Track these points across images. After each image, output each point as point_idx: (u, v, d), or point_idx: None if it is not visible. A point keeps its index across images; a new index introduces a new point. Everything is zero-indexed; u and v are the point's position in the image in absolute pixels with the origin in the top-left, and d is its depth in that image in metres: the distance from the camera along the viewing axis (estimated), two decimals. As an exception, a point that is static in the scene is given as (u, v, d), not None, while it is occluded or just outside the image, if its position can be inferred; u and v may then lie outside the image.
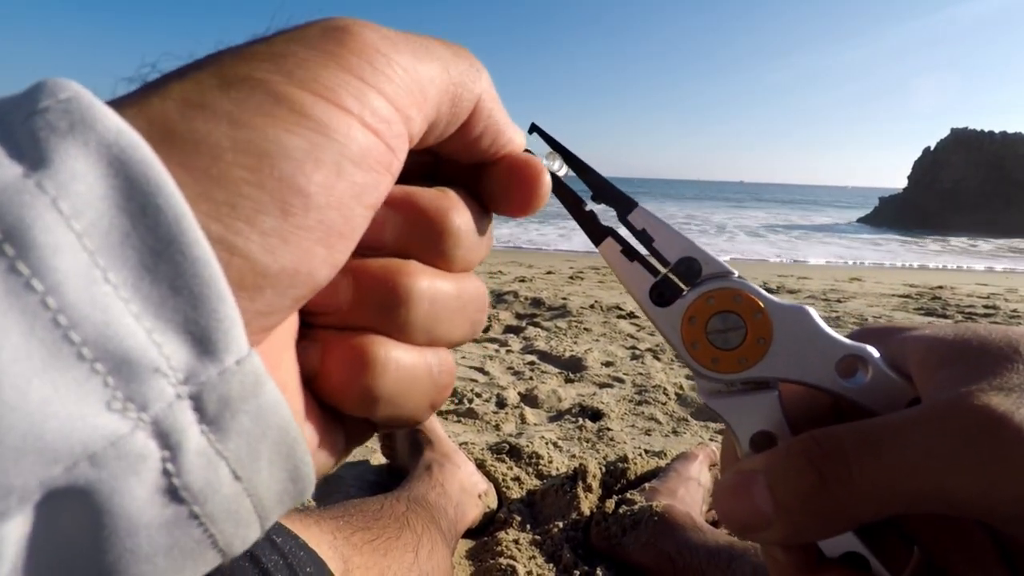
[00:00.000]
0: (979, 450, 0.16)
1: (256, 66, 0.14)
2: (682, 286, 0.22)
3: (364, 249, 0.16)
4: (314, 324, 0.17)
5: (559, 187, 0.24)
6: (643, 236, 0.23)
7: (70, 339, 0.10)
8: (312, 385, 0.16)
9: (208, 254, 0.12)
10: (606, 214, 0.24)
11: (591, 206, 0.24)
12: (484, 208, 0.20)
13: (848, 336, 0.22)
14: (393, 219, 0.17)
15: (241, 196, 0.13)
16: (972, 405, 0.17)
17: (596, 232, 0.24)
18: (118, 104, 0.13)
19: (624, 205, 0.23)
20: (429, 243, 0.18)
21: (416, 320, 0.17)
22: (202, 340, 0.12)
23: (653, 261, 0.23)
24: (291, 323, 0.16)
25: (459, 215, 0.18)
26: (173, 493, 0.12)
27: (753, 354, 0.21)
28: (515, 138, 0.21)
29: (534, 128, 0.23)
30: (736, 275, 0.22)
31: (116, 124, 0.11)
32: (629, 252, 0.23)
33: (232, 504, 0.13)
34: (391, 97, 0.15)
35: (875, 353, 0.21)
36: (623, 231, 0.24)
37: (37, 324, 0.10)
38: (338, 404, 0.17)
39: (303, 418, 0.16)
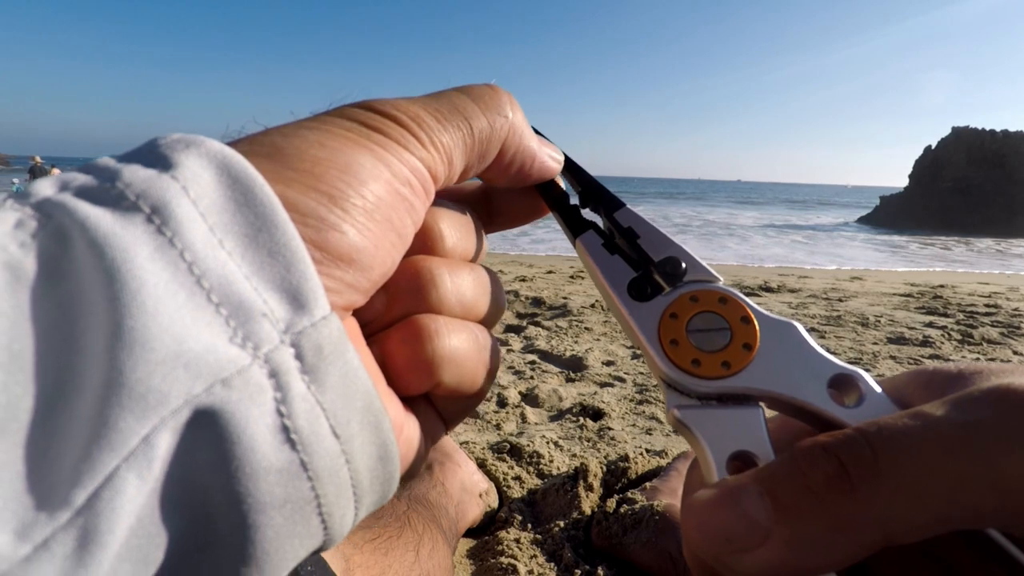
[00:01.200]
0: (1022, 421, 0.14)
1: (322, 121, 0.18)
2: (664, 285, 0.21)
3: None
4: (368, 333, 0.19)
5: (547, 184, 0.24)
6: (628, 233, 0.22)
7: (202, 285, 0.13)
8: (385, 379, 0.19)
9: (293, 231, 0.15)
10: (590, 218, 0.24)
11: (575, 204, 0.24)
12: (478, 214, 0.24)
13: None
14: None
15: (337, 190, 0.16)
16: (1002, 388, 0.15)
17: (578, 225, 0.23)
18: (231, 142, 0.17)
19: (611, 204, 0.23)
20: (423, 244, 0.21)
21: (447, 294, 0.20)
22: (295, 297, 0.14)
23: (638, 258, 0.22)
24: (356, 328, 0.18)
25: (441, 220, 0.22)
26: (286, 434, 0.13)
27: (738, 360, 0.19)
28: (547, 163, 0.23)
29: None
30: (721, 281, 0.21)
31: (219, 144, 0.15)
32: (610, 246, 0.22)
33: (333, 463, 0.14)
34: (423, 159, 0.19)
35: (868, 377, 0.19)
36: (606, 230, 0.23)
37: (178, 272, 0.13)
38: (408, 381, 0.19)
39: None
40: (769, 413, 0.20)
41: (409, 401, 0.19)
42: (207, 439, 0.12)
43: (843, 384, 0.19)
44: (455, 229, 0.22)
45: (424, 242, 0.21)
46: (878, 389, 0.18)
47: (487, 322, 0.22)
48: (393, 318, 0.19)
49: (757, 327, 0.20)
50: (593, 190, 0.24)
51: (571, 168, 0.24)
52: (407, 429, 0.19)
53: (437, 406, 0.21)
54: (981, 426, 0.14)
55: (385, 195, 0.17)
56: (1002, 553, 0.16)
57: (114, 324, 0.12)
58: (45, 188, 0.14)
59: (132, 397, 0.12)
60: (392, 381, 0.19)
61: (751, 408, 0.19)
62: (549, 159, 0.23)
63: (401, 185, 0.18)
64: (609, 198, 0.23)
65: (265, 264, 0.14)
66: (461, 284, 0.21)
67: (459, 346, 0.19)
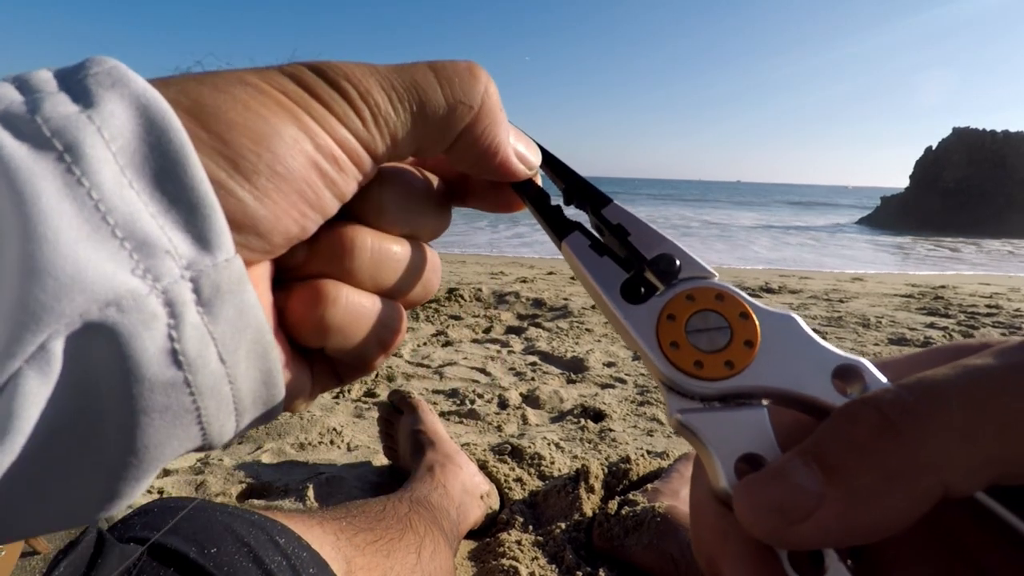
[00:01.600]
0: None
1: (265, 78, 0.18)
2: (658, 284, 0.20)
3: None
4: (284, 279, 0.21)
5: (525, 183, 0.23)
6: (618, 230, 0.21)
7: (107, 221, 0.14)
8: (282, 325, 0.20)
9: (203, 177, 0.16)
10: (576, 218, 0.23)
11: (558, 203, 0.23)
12: (439, 190, 0.24)
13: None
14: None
15: (243, 158, 0.17)
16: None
17: (562, 226, 0.22)
18: (163, 81, 0.17)
19: (598, 200, 0.22)
20: (361, 213, 0.21)
21: (360, 266, 0.21)
22: (199, 238, 0.16)
23: (629, 257, 0.21)
24: (266, 273, 0.20)
25: (386, 192, 0.22)
26: (174, 356, 0.15)
27: (741, 359, 0.19)
28: (511, 163, 0.22)
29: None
30: (717, 277, 0.20)
31: (144, 85, 0.16)
32: (599, 247, 0.21)
33: (216, 383, 0.16)
34: (355, 132, 0.19)
35: (871, 366, 0.18)
36: (592, 228, 0.22)
37: (84, 208, 0.14)
38: (299, 335, 0.20)
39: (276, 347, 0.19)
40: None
41: (305, 349, 0.21)
42: (101, 348, 0.14)
43: (847, 374, 0.18)
44: (400, 202, 0.22)
45: (362, 211, 0.21)
46: (882, 378, 0.18)
47: (406, 301, 0.23)
48: (307, 274, 0.21)
49: (757, 323, 0.19)
50: (577, 186, 0.22)
51: (552, 163, 0.23)
52: (294, 366, 0.20)
53: (332, 360, 0.22)
54: (1019, 363, 0.14)
55: (298, 168, 0.18)
56: (1008, 529, 0.16)
57: (22, 251, 0.13)
58: None
59: (32, 313, 0.13)
60: (289, 328, 0.20)
61: (756, 409, 0.18)
62: (514, 160, 0.22)
63: (324, 159, 0.18)
64: (595, 194, 0.22)
65: (172, 205, 0.15)
66: (381, 259, 0.21)
67: (351, 321, 0.21)
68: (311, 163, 0.18)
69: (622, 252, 0.21)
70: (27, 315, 0.13)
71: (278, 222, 0.18)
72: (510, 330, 1.94)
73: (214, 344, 0.16)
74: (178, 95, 0.17)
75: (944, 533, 0.18)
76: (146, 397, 0.15)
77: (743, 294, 0.20)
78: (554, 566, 0.76)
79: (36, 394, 0.14)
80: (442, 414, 1.22)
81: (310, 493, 0.90)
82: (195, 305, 0.15)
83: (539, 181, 0.24)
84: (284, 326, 0.20)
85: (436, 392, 1.35)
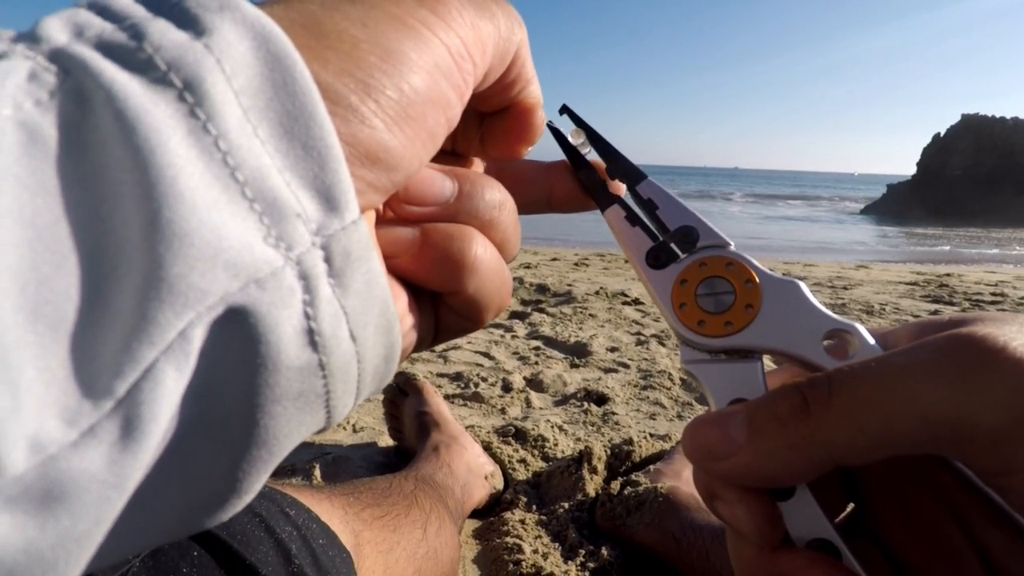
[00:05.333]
0: (957, 362, 0.16)
1: None
2: (679, 252, 0.23)
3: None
4: (408, 216, 0.18)
5: (574, 156, 0.25)
6: (648, 205, 0.24)
7: (236, 178, 0.12)
8: (401, 264, 0.18)
9: (330, 125, 0.14)
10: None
11: (604, 178, 0.25)
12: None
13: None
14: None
15: (373, 78, 0.15)
16: (952, 333, 0.17)
17: (604, 198, 0.25)
18: (266, 3, 0.15)
19: (634, 178, 0.25)
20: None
21: (502, 221, 0.20)
22: (328, 197, 0.13)
23: (655, 229, 0.24)
24: (373, 222, 0.18)
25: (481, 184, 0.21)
26: (310, 336, 0.13)
27: (740, 319, 0.21)
28: (537, 88, 0.22)
29: (564, 109, 0.25)
30: (732, 246, 0.23)
31: (256, 11, 0.13)
32: (632, 218, 0.24)
33: (347, 363, 0.14)
34: (465, 40, 0.17)
35: (863, 330, 0.21)
36: (631, 203, 0.25)
37: (213, 162, 0.12)
38: (433, 279, 0.18)
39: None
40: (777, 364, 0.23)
41: (415, 298, 0.19)
42: (237, 335, 0.12)
43: (840, 337, 0.21)
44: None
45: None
46: (872, 341, 0.21)
47: (509, 255, 0.22)
48: (450, 218, 0.19)
49: (760, 288, 0.22)
50: (618, 163, 0.25)
51: (596, 141, 0.25)
52: (405, 325, 0.18)
53: (439, 313, 0.20)
54: (916, 367, 0.17)
55: (424, 88, 0.16)
56: (1005, 513, 0.19)
57: (150, 213, 0.11)
58: (56, 31, 0.12)
59: (172, 292, 0.11)
60: (413, 272, 0.18)
61: (752, 362, 0.22)
62: (537, 85, 0.22)
63: (443, 77, 0.16)
64: (633, 171, 0.25)
65: (300, 159, 0.13)
66: (488, 196, 0.20)
67: (490, 270, 0.19)
68: (433, 82, 0.16)
69: (652, 223, 0.24)
70: (165, 292, 0.11)
71: (406, 152, 0.16)
72: (514, 315, 1.94)
73: (346, 320, 0.14)
74: (288, 11, 0.15)
75: (925, 480, 0.20)
76: (281, 385, 0.13)
77: (753, 262, 0.22)
78: (557, 544, 0.77)
79: (172, 393, 0.12)
80: (446, 397, 1.23)
81: (316, 472, 0.92)
82: (327, 276, 0.13)
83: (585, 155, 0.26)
84: (404, 267, 0.18)
85: (440, 375, 1.36)
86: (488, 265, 0.19)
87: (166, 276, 0.11)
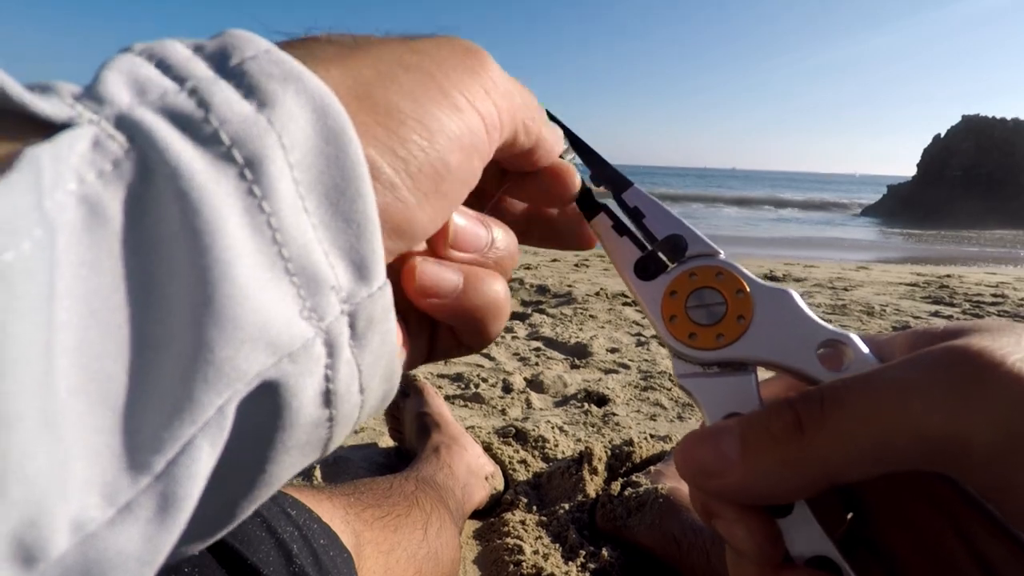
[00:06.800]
0: (951, 379, 0.16)
1: (423, 59, 0.17)
2: (668, 262, 0.22)
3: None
4: (452, 260, 0.19)
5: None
6: (635, 213, 0.24)
7: (282, 255, 0.13)
8: (445, 306, 0.18)
9: (372, 198, 0.14)
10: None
11: (589, 185, 0.25)
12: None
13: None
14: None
15: (413, 156, 0.15)
16: (947, 346, 0.17)
17: (591, 207, 0.24)
18: (318, 59, 0.15)
19: (620, 185, 0.24)
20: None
21: (511, 264, 0.21)
22: (360, 267, 0.14)
23: (643, 238, 0.23)
24: None
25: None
26: (327, 396, 0.14)
27: (732, 331, 0.21)
28: (556, 147, 0.23)
29: (547, 115, 0.25)
30: (722, 255, 0.22)
31: (319, 82, 0.14)
32: (619, 227, 0.24)
33: (351, 412, 0.15)
34: (499, 108, 0.18)
35: (858, 340, 0.20)
36: (617, 210, 0.24)
37: (264, 240, 0.12)
38: (471, 318, 0.19)
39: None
40: (771, 374, 0.22)
41: (412, 326, 0.19)
42: (265, 405, 0.13)
43: (835, 347, 0.20)
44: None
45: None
46: (866, 351, 0.20)
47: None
48: (478, 261, 0.20)
49: (751, 299, 0.21)
50: (602, 170, 0.24)
51: (580, 147, 0.25)
52: (399, 362, 0.19)
53: (437, 338, 0.21)
54: (909, 384, 0.16)
55: (456, 166, 0.16)
56: (1007, 529, 0.18)
57: (204, 297, 0.11)
58: (120, 91, 0.12)
59: (218, 374, 0.11)
60: (452, 314, 0.19)
61: (745, 375, 0.21)
62: (557, 144, 0.23)
63: (475, 152, 0.17)
64: (618, 178, 0.24)
65: (341, 231, 0.13)
66: (506, 240, 0.21)
67: (495, 300, 0.19)
68: (467, 160, 0.17)
69: (639, 232, 0.23)
70: (209, 375, 0.11)
71: (429, 225, 0.16)
72: (514, 316, 1.95)
73: (359, 377, 0.15)
74: (345, 77, 0.15)
75: (927, 491, 0.20)
76: (293, 439, 0.13)
77: (743, 271, 0.22)
78: (557, 545, 0.77)
79: (205, 468, 0.12)
80: (447, 397, 1.23)
81: (317, 473, 0.92)
82: (348, 340, 0.14)
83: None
84: (451, 313, 0.19)
85: (441, 376, 1.36)
86: (508, 304, 0.20)
87: (214, 359, 0.11)
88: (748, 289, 0.21)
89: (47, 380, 0.10)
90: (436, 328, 0.20)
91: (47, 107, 0.11)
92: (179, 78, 0.13)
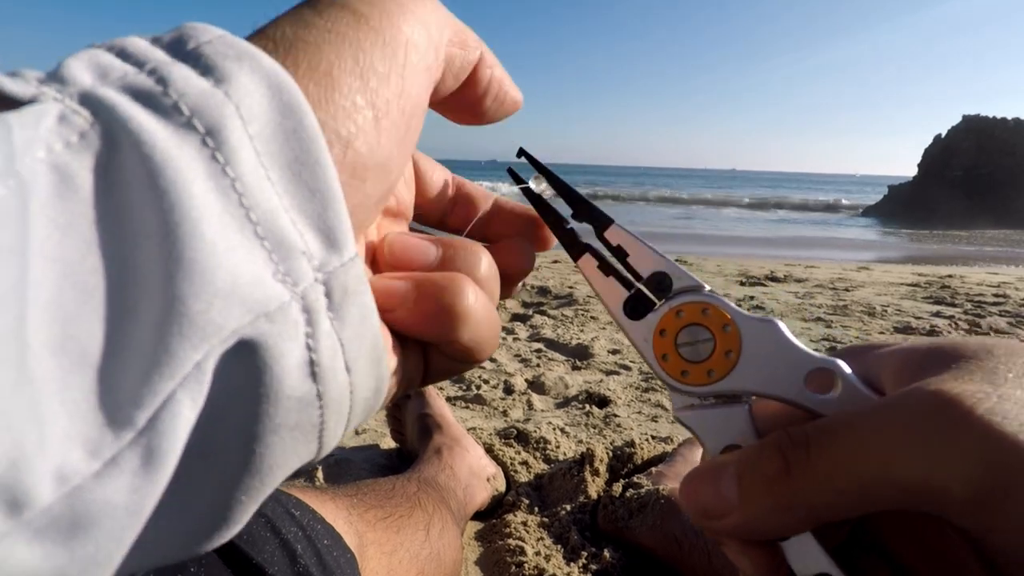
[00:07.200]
0: (926, 429, 0.16)
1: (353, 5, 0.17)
2: (654, 300, 0.23)
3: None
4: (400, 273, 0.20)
5: (542, 207, 0.25)
6: (618, 252, 0.24)
7: (250, 218, 0.13)
8: (398, 318, 0.19)
9: (332, 168, 0.14)
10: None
11: (572, 224, 0.25)
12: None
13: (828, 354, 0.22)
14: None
15: (353, 102, 0.16)
16: (923, 391, 0.17)
17: (575, 248, 0.25)
18: (265, 38, 0.16)
19: (601, 222, 0.24)
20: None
21: (487, 280, 0.21)
22: (329, 236, 0.14)
23: (628, 276, 0.24)
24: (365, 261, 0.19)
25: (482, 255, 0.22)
26: (310, 368, 0.14)
27: (721, 367, 0.21)
28: (516, 96, 0.22)
29: (522, 152, 0.25)
30: (707, 289, 0.23)
31: (271, 61, 0.14)
32: (605, 267, 0.24)
33: (341, 394, 0.15)
34: (427, 24, 0.18)
35: (845, 367, 0.21)
36: (602, 248, 0.25)
37: (230, 203, 0.13)
38: (429, 328, 0.19)
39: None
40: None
41: (402, 341, 0.20)
42: (245, 365, 0.13)
43: (822, 375, 0.21)
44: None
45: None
46: (853, 378, 0.21)
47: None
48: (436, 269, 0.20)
49: (739, 334, 0.22)
50: (582, 208, 0.25)
51: (559, 186, 0.25)
52: (391, 366, 0.19)
53: (430, 357, 0.21)
54: (889, 432, 0.17)
55: (395, 98, 0.16)
56: None
57: (174, 253, 0.12)
58: (81, 73, 0.13)
59: (192, 326, 0.12)
60: (409, 325, 0.19)
61: (739, 406, 0.22)
62: (517, 94, 0.23)
63: (411, 80, 0.17)
64: (598, 216, 0.24)
65: (306, 201, 0.14)
66: (488, 266, 0.21)
67: (484, 316, 0.20)
68: (401, 85, 0.17)
69: (624, 270, 0.24)
70: (183, 327, 0.12)
71: (388, 163, 0.17)
72: (515, 317, 1.95)
73: (342, 352, 0.15)
74: (289, 52, 0.15)
75: (947, 542, 0.20)
76: (280, 415, 0.14)
77: (729, 304, 0.22)
78: (559, 546, 0.77)
79: (188, 422, 0.12)
80: (448, 399, 1.23)
81: (319, 475, 0.92)
82: (327, 311, 0.14)
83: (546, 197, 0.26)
84: (396, 319, 0.19)
85: (442, 378, 1.37)
86: (480, 313, 0.19)
87: (187, 312, 0.12)
88: (735, 323, 0.22)
89: (19, 328, 0.10)
90: (427, 348, 0.21)
91: (13, 86, 0.12)
92: (138, 63, 0.13)
